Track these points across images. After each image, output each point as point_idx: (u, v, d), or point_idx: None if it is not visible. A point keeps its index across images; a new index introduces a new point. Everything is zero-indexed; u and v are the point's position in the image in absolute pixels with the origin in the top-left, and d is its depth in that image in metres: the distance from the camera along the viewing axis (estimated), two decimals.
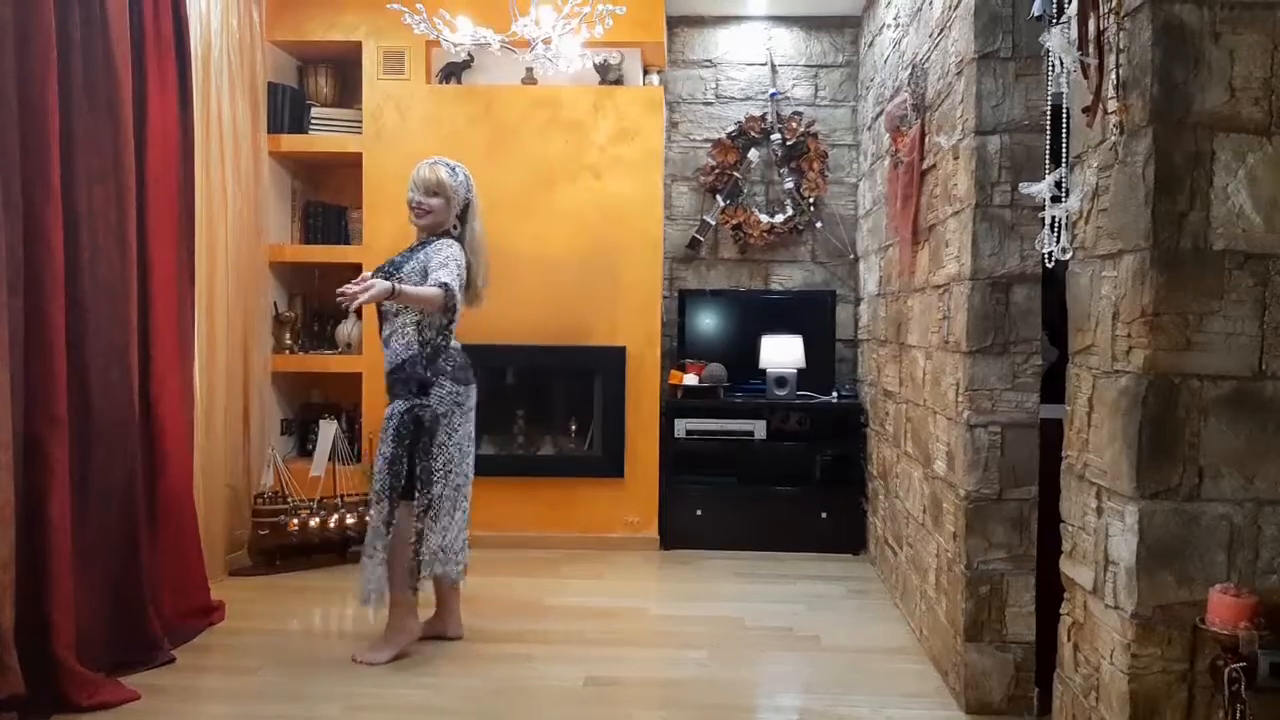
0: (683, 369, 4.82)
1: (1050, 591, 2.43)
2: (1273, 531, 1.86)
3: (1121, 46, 1.93)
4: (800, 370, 4.72)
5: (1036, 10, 2.21)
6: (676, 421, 4.69)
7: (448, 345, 3.20)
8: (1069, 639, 2.20)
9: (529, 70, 4.61)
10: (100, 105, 3.00)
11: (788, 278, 5.19)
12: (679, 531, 4.67)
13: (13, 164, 2.63)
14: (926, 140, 3.32)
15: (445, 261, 3.11)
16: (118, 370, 3.07)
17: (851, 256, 5.12)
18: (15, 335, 2.64)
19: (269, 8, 4.49)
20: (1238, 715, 1.69)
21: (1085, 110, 2.02)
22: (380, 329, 3.28)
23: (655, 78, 4.85)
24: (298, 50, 4.80)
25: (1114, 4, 1.94)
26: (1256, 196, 1.84)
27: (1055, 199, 2.19)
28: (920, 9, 3.49)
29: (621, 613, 3.73)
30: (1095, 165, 2.07)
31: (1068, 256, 2.18)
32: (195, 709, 2.81)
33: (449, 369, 3.19)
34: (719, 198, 5.10)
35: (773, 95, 5.09)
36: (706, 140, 5.15)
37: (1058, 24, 2.08)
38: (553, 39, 3.75)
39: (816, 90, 5.17)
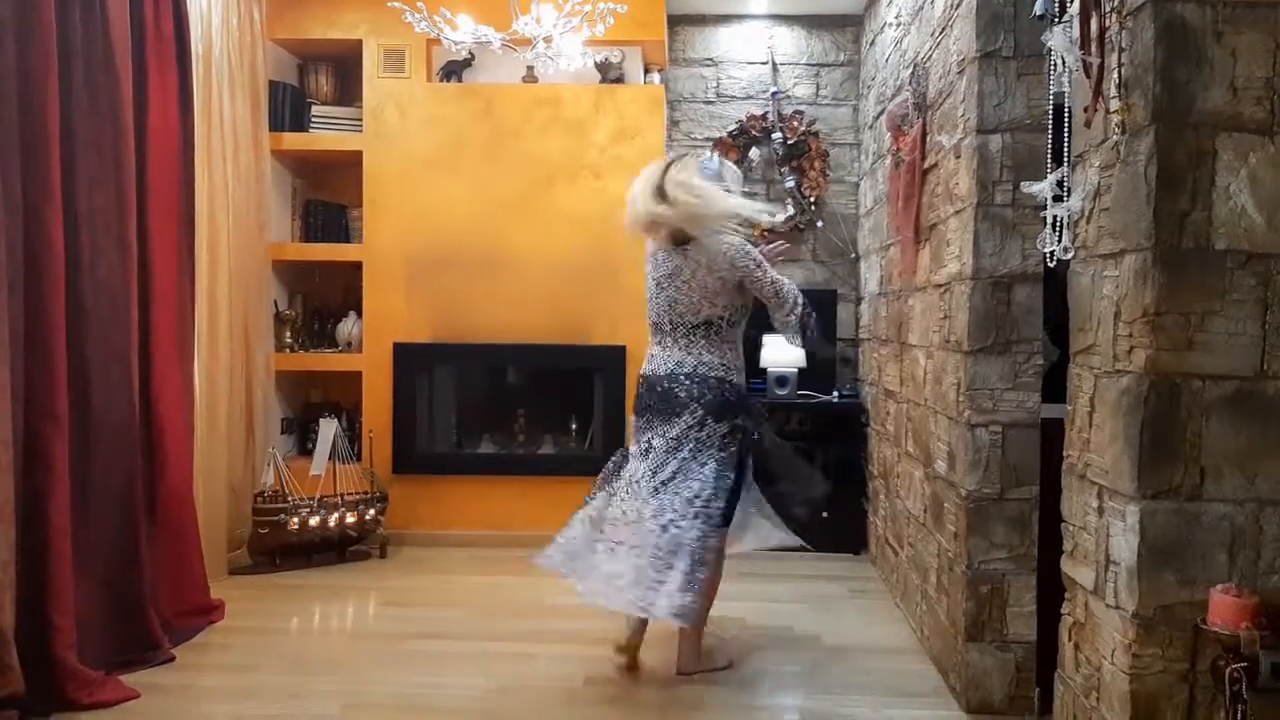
0: None
1: (1051, 591, 2.43)
2: (1274, 532, 1.85)
3: (1123, 46, 1.92)
4: (801, 370, 4.71)
5: (1038, 9, 2.21)
6: None
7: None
8: (1070, 639, 2.19)
9: (530, 69, 4.60)
10: (101, 104, 3.00)
11: (789, 276, 5.16)
12: None
13: (13, 164, 2.63)
14: (928, 139, 3.32)
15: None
16: (118, 369, 3.07)
17: (852, 255, 5.11)
18: (16, 334, 2.64)
19: (269, 6, 4.48)
20: (1239, 716, 1.69)
21: (1086, 109, 2.02)
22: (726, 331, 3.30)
23: (656, 76, 4.85)
24: (298, 48, 4.80)
25: (1116, 3, 1.94)
26: (1258, 196, 1.83)
27: (1057, 198, 2.18)
28: (922, 8, 3.48)
29: (622, 612, 3.72)
30: (1097, 164, 2.07)
31: (1069, 256, 2.17)
32: (194, 708, 2.81)
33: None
34: None
35: (774, 94, 5.08)
36: (707, 139, 5.13)
37: (1059, 23, 2.08)
38: (553, 37, 3.75)
39: (818, 89, 5.16)
